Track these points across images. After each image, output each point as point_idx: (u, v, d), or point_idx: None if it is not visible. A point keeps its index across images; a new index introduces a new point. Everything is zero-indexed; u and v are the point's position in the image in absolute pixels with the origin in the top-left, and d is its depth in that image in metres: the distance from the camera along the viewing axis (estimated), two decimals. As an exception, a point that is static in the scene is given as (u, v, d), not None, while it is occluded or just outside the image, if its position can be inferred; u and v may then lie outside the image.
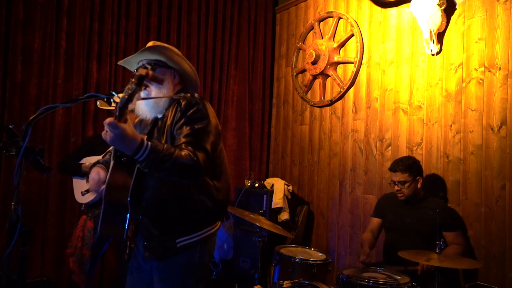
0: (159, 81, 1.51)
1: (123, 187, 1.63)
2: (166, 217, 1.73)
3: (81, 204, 3.04)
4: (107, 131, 1.46)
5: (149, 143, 1.53)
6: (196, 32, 4.31)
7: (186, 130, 1.68)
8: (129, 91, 1.41)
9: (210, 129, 1.73)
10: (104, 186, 1.66)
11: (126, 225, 1.63)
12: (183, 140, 1.66)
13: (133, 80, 1.42)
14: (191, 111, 1.71)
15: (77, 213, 3.51)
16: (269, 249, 3.04)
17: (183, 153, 1.59)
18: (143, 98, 1.72)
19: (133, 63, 1.89)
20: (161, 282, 1.77)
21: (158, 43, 1.85)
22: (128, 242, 2.86)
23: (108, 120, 1.44)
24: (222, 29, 4.48)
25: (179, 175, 1.62)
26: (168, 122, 1.74)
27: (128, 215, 1.63)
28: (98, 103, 3.30)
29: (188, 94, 1.76)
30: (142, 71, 1.42)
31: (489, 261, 2.71)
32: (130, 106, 1.46)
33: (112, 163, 1.65)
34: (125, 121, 1.46)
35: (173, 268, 1.75)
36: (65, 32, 3.63)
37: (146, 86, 1.78)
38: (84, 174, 2.98)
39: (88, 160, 3.04)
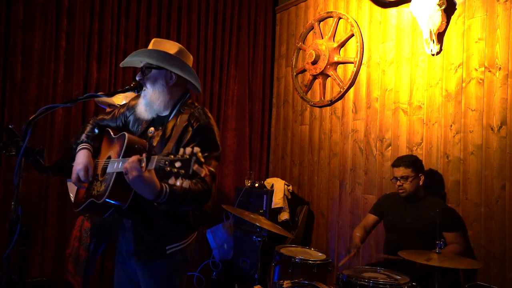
0: (200, 173, 1.40)
1: (122, 197, 1.66)
2: (160, 226, 1.77)
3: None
4: (128, 173, 1.49)
5: (167, 187, 1.57)
6: (196, 32, 4.31)
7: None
8: (171, 166, 1.35)
9: (217, 155, 1.78)
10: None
11: (108, 213, 1.69)
12: None
13: (184, 164, 1.34)
14: (204, 136, 1.74)
15: (75, 213, 3.49)
16: (269, 249, 3.04)
17: (194, 181, 1.63)
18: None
19: (135, 60, 1.90)
20: (146, 280, 1.81)
21: (159, 42, 1.85)
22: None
23: (134, 164, 1.48)
24: (222, 29, 4.47)
25: (194, 205, 1.71)
26: (176, 136, 1.74)
27: (110, 210, 1.68)
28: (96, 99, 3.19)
29: (197, 110, 1.78)
30: (200, 170, 1.34)
31: (489, 261, 2.71)
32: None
33: (114, 175, 1.65)
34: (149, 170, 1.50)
35: (156, 266, 1.79)
36: (65, 32, 3.63)
37: (144, 86, 1.80)
38: None
39: None
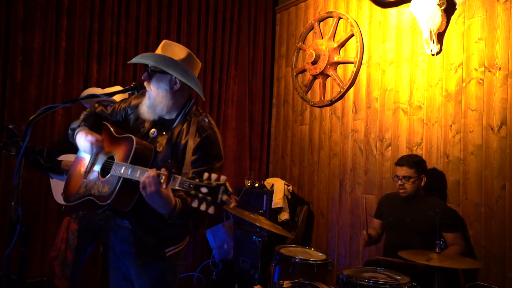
0: (229, 203, 1.37)
1: (125, 203, 1.68)
2: (162, 228, 1.78)
3: (61, 205, 2.85)
4: (146, 187, 1.48)
5: (180, 203, 1.59)
6: (196, 32, 4.31)
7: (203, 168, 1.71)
8: (196, 190, 1.34)
9: (221, 165, 1.81)
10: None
11: (102, 210, 1.72)
12: None
13: (210, 192, 1.32)
14: (211, 147, 1.77)
15: (68, 209, 3.39)
16: (269, 249, 3.04)
17: None
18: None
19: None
20: (140, 280, 1.82)
21: (169, 44, 1.84)
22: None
23: (153, 179, 1.46)
24: (222, 29, 4.47)
25: (200, 220, 1.83)
26: (182, 142, 1.75)
27: (105, 207, 1.69)
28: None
29: (203, 120, 1.79)
30: (229, 200, 1.32)
31: (489, 261, 2.71)
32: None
33: (121, 181, 1.64)
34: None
35: (154, 267, 1.81)
36: (65, 32, 3.63)
37: (146, 87, 1.79)
38: (65, 172, 2.86)
39: (67, 158, 2.77)
